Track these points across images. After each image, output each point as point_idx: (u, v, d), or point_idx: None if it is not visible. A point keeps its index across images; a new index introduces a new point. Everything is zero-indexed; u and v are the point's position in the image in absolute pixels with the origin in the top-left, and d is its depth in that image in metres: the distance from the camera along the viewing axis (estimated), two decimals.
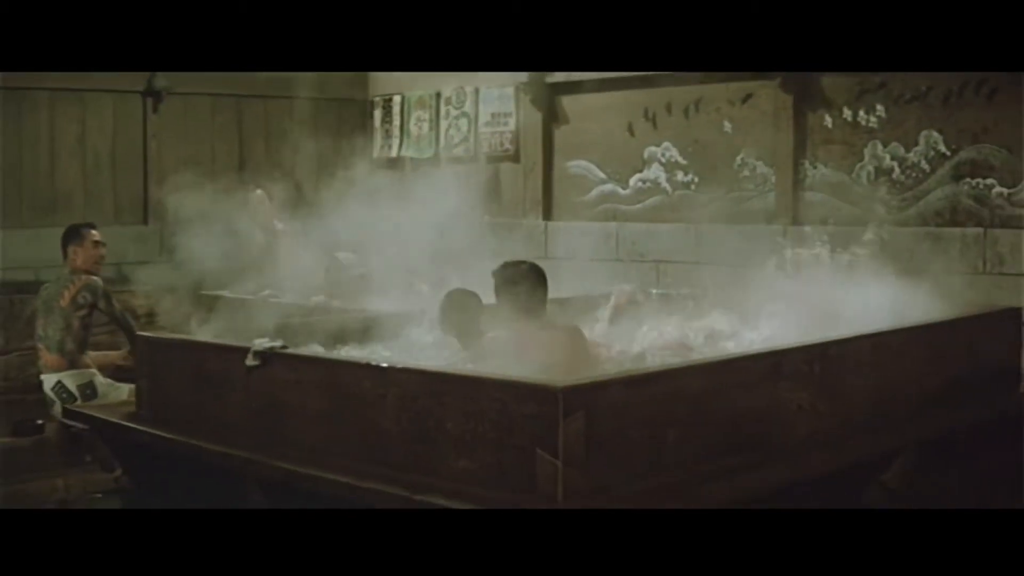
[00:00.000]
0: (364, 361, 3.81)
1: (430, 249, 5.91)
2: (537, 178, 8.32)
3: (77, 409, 4.82)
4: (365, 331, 4.85)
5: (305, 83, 8.71)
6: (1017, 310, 5.31)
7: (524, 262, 4.46)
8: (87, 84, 7.92)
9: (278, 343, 3.90)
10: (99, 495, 4.56)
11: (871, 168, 6.74)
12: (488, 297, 4.53)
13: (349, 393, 3.62)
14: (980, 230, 6.29)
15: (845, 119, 6.83)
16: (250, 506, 3.72)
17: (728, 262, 6.93)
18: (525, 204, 8.39)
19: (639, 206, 7.78)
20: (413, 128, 9.05)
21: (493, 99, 8.54)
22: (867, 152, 6.74)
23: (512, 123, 8.43)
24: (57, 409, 5.35)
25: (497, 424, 3.22)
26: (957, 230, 6.35)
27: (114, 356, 5.84)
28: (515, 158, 8.47)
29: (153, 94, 8.24)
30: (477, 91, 8.62)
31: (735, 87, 7.23)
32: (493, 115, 8.55)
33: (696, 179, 7.49)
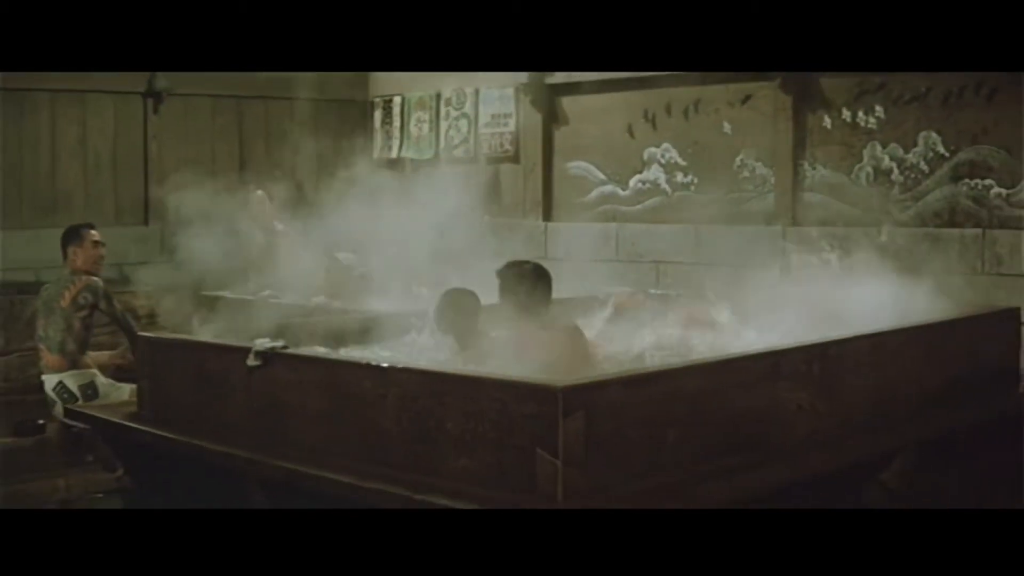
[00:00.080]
0: (365, 361, 3.81)
1: (430, 250, 5.93)
2: (537, 179, 8.34)
3: (79, 409, 4.83)
4: (365, 332, 4.87)
5: (305, 84, 8.72)
6: (1016, 310, 5.33)
7: (528, 262, 4.47)
8: (88, 85, 7.94)
9: (279, 343, 3.91)
10: (100, 495, 4.58)
11: (870, 169, 6.76)
12: (487, 297, 4.54)
13: (350, 393, 3.63)
14: (979, 231, 6.31)
15: (844, 120, 6.85)
16: (251, 506, 3.73)
17: (728, 263, 6.96)
18: (525, 205, 8.41)
19: (639, 207, 7.79)
20: (413, 129, 9.07)
21: (493, 100, 8.55)
22: (866, 153, 6.76)
23: (512, 124, 8.45)
24: (58, 409, 5.37)
25: (497, 424, 3.23)
26: (956, 231, 6.37)
27: (113, 355, 5.85)
28: (515, 159, 8.49)
29: (154, 95, 8.26)
30: (477, 92, 8.63)
31: (734, 88, 7.25)
32: (493, 116, 8.57)
33: (695, 180, 7.51)
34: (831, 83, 6.86)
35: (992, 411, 4.76)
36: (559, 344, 4.23)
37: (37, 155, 7.92)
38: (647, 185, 7.75)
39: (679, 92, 7.50)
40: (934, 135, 6.52)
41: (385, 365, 3.63)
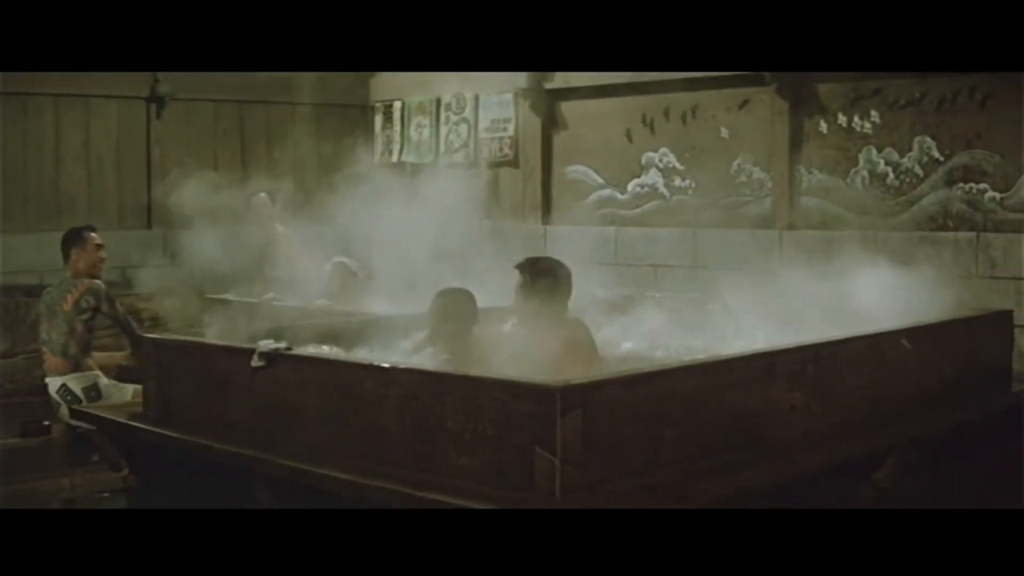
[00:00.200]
0: (366, 362, 3.87)
1: (431, 252, 5.98)
2: (536, 183, 8.40)
3: (84, 410, 4.90)
4: (366, 334, 4.92)
5: (306, 88, 8.80)
6: (1009, 313, 5.38)
7: (550, 258, 4.47)
8: (91, 90, 8.00)
9: (283, 345, 3.97)
10: (106, 494, 4.63)
11: (866, 173, 6.81)
12: (487, 297, 4.59)
13: (352, 393, 3.69)
14: (973, 234, 6.36)
15: (840, 125, 6.90)
16: (255, 504, 3.79)
17: (725, 266, 7.02)
18: (524, 208, 8.47)
19: (637, 211, 7.85)
20: (413, 133, 9.13)
21: (493, 105, 8.62)
22: (862, 157, 6.82)
23: (511, 129, 8.51)
24: (63, 412, 5.41)
25: (496, 423, 3.29)
26: (950, 234, 6.42)
27: (117, 357, 5.90)
28: (515, 163, 8.55)
29: (156, 100, 8.32)
30: (477, 97, 8.69)
31: (731, 93, 7.30)
32: (493, 121, 8.63)
33: (693, 184, 7.57)
34: (827, 88, 6.92)
35: (985, 412, 4.80)
36: (573, 341, 4.26)
37: (41, 159, 7.98)
38: (645, 189, 7.81)
39: (677, 97, 7.55)
40: (929, 140, 6.58)
41: (386, 365, 3.69)
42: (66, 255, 5.87)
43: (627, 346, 4.85)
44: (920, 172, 6.61)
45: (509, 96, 8.48)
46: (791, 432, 3.93)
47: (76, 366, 5.60)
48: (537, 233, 8.23)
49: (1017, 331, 5.62)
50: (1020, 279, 6.18)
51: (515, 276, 4.39)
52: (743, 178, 7.34)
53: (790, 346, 4.10)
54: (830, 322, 4.65)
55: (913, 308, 4.84)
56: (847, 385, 4.20)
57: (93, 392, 5.54)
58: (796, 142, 7.05)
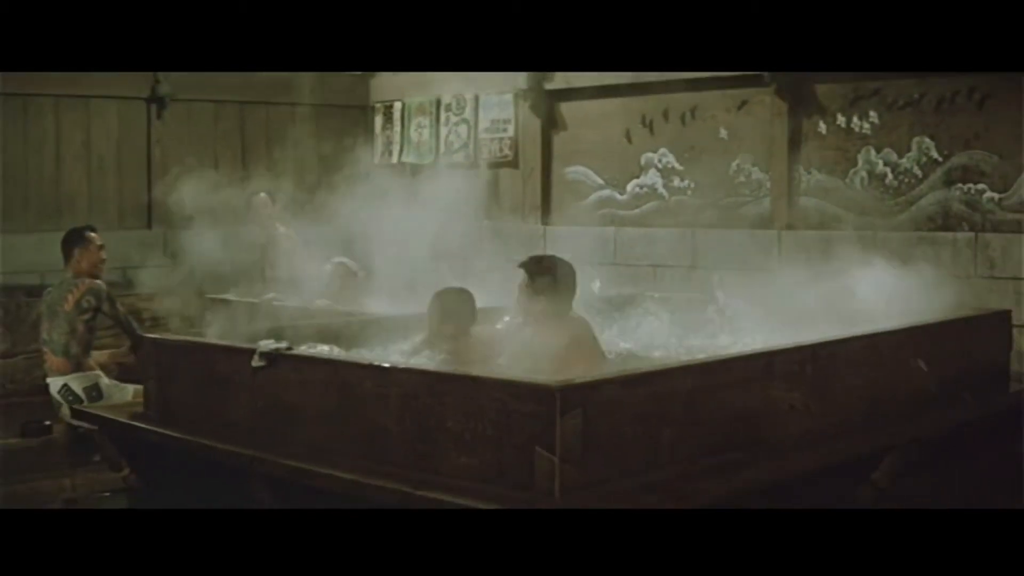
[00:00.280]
0: (367, 362, 3.90)
1: (431, 253, 5.99)
2: (536, 183, 8.41)
3: (86, 410, 4.91)
4: (366, 334, 4.94)
5: (306, 89, 8.82)
6: (1007, 313, 5.40)
7: (555, 256, 4.47)
8: (92, 90, 8.01)
9: (283, 344, 3.99)
10: (107, 494, 4.64)
11: (864, 174, 6.83)
12: (485, 297, 4.60)
13: (352, 393, 3.71)
14: (972, 234, 6.38)
15: (839, 125, 6.92)
16: (256, 503, 3.80)
17: (724, 266, 7.04)
18: (524, 209, 8.48)
19: (636, 211, 7.87)
20: (413, 134, 9.15)
21: (492, 106, 8.63)
22: (860, 158, 6.83)
23: (511, 129, 8.52)
24: (64, 411, 5.43)
25: (496, 423, 3.31)
26: (949, 234, 6.43)
27: (116, 354, 5.91)
28: (514, 164, 8.56)
29: (157, 100, 8.33)
30: (477, 98, 8.71)
31: (731, 94, 7.32)
32: (493, 121, 8.64)
33: (692, 184, 7.58)
34: (826, 89, 6.93)
35: (983, 411, 4.82)
36: (580, 339, 4.27)
37: (41, 159, 7.99)
38: (644, 189, 7.83)
39: (676, 98, 7.57)
40: (927, 140, 6.59)
41: (387, 365, 3.71)
42: (68, 255, 5.87)
43: (626, 346, 4.86)
44: (919, 172, 6.63)
45: (509, 97, 8.49)
46: (790, 432, 3.95)
47: (78, 366, 5.62)
48: (537, 233, 8.24)
49: (1015, 331, 5.65)
50: (1018, 279, 6.19)
51: (518, 275, 4.39)
52: (742, 178, 7.35)
53: (789, 346, 4.12)
54: (829, 322, 4.67)
55: (912, 308, 4.87)
56: (845, 385, 4.22)
57: (94, 392, 5.55)
58: (795, 142, 7.06)
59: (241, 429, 4.03)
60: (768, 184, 7.21)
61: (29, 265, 7.49)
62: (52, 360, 5.68)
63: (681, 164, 7.64)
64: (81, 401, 5.44)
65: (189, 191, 6.71)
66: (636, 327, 5.21)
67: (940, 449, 4.61)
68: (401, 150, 9.22)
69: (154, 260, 7.84)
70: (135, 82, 8.15)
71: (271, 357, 3.94)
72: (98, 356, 5.80)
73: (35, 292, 6.74)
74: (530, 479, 3.23)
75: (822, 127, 6.98)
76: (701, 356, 4.30)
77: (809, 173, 7.04)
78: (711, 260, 7.22)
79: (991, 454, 4.98)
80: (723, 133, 7.43)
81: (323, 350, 4.22)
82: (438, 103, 8.96)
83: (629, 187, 7.90)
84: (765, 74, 6.96)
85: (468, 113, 8.78)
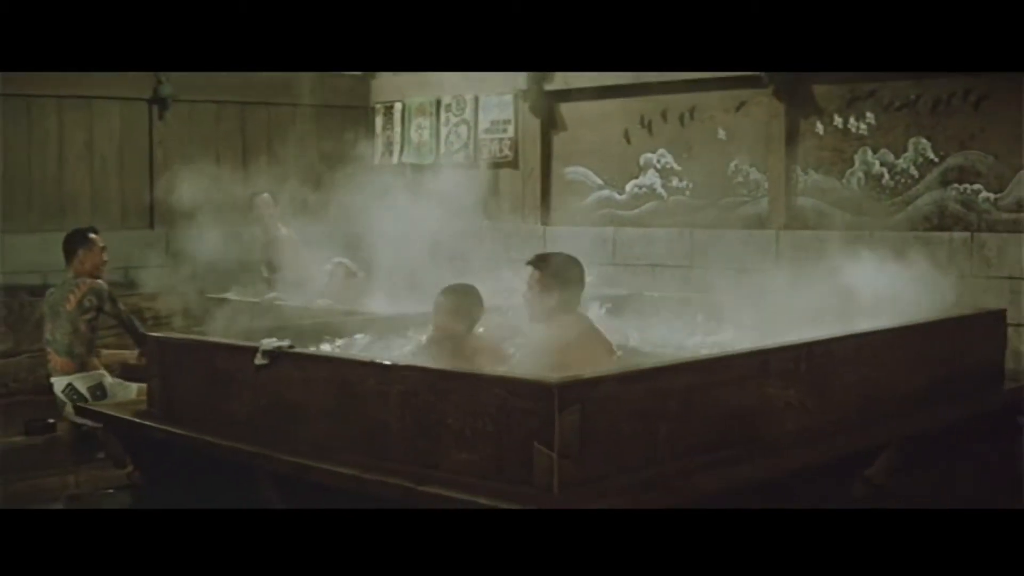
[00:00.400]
0: (368, 359, 3.94)
1: (431, 253, 6.04)
2: (536, 184, 8.46)
3: (90, 408, 4.96)
4: (366, 333, 4.99)
5: (307, 90, 8.87)
6: (1002, 312, 5.45)
7: (560, 253, 4.49)
8: (95, 91, 8.06)
9: (286, 343, 4.03)
10: (110, 490, 4.69)
11: (861, 174, 6.88)
12: (485, 296, 4.63)
13: (354, 390, 3.75)
14: (967, 234, 6.42)
15: (836, 126, 6.97)
16: (259, 500, 3.85)
17: (722, 266, 7.09)
18: (524, 209, 8.53)
19: (635, 211, 7.91)
20: (414, 135, 9.19)
21: (492, 106, 8.68)
22: (857, 158, 6.88)
23: (511, 130, 8.57)
24: (68, 410, 5.47)
25: (496, 419, 3.36)
26: (945, 234, 6.48)
27: (126, 355, 5.95)
28: (514, 164, 8.61)
29: (159, 101, 8.38)
30: (477, 99, 8.76)
31: (729, 95, 7.37)
32: (493, 122, 8.69)
33: (691, 185, 7.63)
34: (823, 90, 6.98)
35: (977, 409, 4.87)
36: (592, 336, 4.31)
37: (44, 160, 8.04)
38: (643, 190, 7.87)
39: (675, 99, 7.61)
40: (924, 141, 6.64)
41: (388, 363, 3.76)
42: (70, 256, 5.90)
43: (624, 344, 4.90)
44: (915, 173, 6.68)
45: (509, 97, 8.54)
46: (785, 429, 4.00)
47: (82, 366, 5.66)
48: (536, 233, 8.29)
49: (1010, 330, 5.69)
50: (1014, 278, 6.24)
51: (519, 274, 4.43)
52: (740, 179, 7.40)
53: (784, 344, 4.16)
54: (825, 321, 4.71)
55: (908, 307, 4.91)
56: (841, 383, 4.27)
57: (98, 391, 5.59)
58: (792, 143, 7.11)
59: (244, 426, 4.08)
60: (766, 184, 7.25)
61: (32, 265, 7.54)
62: (56, 360, 5.72)
63: (679, 164, 7.69)
64: (86, 400, 5.47)
65: (191, 190, 6.76)
66: (634, 326, 5.25)
67: (934, 447, 4.65)
68: (401, 150, 9.27)
69: (156, 260, 7.89)
70: (137, 83, 8.21)
71: (274, 355, 3.98)
72: (108, 357, 5.84)
73: (38, 292, 6.79)
74: (529, 475, 3.28)
75: (819, 128, 7.03)
76: (698, 354, 4.35)
77: (806, 173, 7.09)
78: (709, 260, 7.27)
79: (985, 452, 5.03)
80: (721, 134, 7.48)
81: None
82: (438, 104, 9.01)
83: (628, 187, 7.95)
84: (763, 75, 7.01)
85: (468, 114, 8.83)
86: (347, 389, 3.78)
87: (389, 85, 9.39)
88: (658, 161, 7.79)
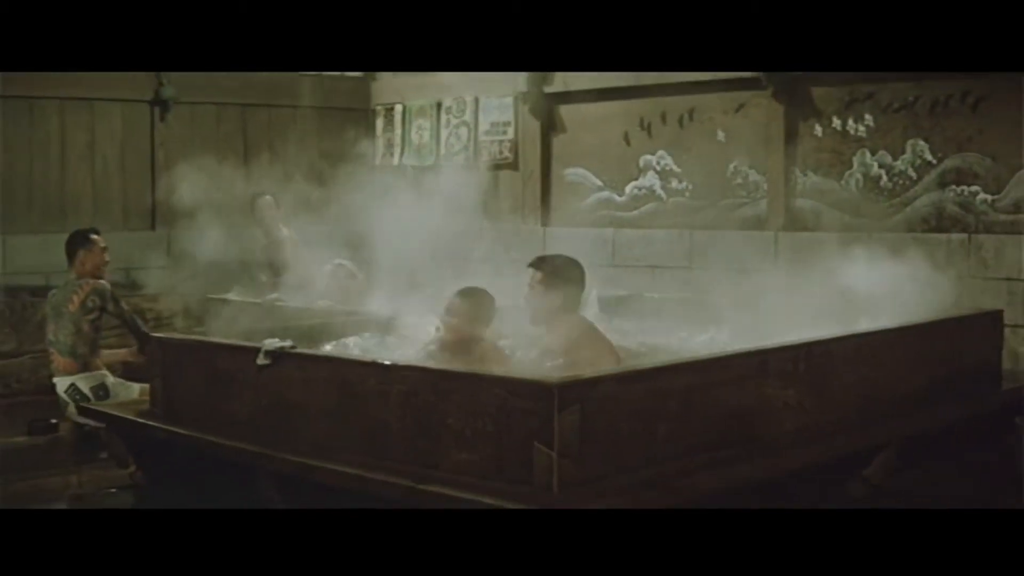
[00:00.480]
0: (369, 360, 3.97)
1: (431, 254, 6.06)
2: (536, 185, 8.49)
3: (93, 407, 4.99)
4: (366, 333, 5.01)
5: (308, 92, 8.90)
6: (999, 313, 5.47)
7: (561, 255, 4.52)
8: (96, 93, 8.09)
9: (287, 343, 4.06)
10: (113, 490, 4.72)
11: (860, 176, 6.91)
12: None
13: (355, 391, 3.78)
14: (965, 236, 6.45)
15: (834, 128, 7.00)
16: (261, 499, 3.88)
17: (721, 267, 7.12)
18: (524, 210, 8.56)
19: (635, 213, 7.94)
20: (414, 137, 9.23)
21: (493, 108, 8.71)
22: (856, 160, 6.91)
23: (511, 132, 8.60)
24: (71, 410, 5.49)
25: (496, 419, 3.39)
26: (943, 236, 6.51)
27: (122, 353, 5.98)
28: (514, 166, 8.64)
29: (160, 103, 8.40)
30: (477, 101, 8.79)
31: (728, 97, 7.39)
32: (493, 124, 8.72)
33: (690, 186, 7.66)
34: (821, 92, 7.01)
35: (974, 409, 4.90)
36: (595, 336, 4.34)
37: (47, 161, 8.06)
38: (643, 191, 7.90)
39: (674, 101, 7.64)
40: (922, 143, 6.67)
41: (388, 363, 3.79)
42: (72, 257, 5.93)
43: (624, 344, 4.93)
44: (913, 174, 6.70)
45: (509, 100, 8.57)
46: (784, 429, 4.03)
47: (84, 366, 5.68)
48: (536, 234, 8.32)
49: (1008, 331, 5.72)
50: (1011, 279, 6.27)
51: (520, 276, 4.46)
52: (739, 180, 7.43)
53: (783, 344, 4.19)
54: (824, 322, 4.73)
55: (906, 308, 4.93)
56: (839, 383, 4.29)
57: (101, 391, 5.62)
58: (791, 145, 7.14)
59: (246, 426, 4.10)
60: (765, 186, 7.28)
61: (34, 266, 7.57)
62: (59, 360, 5.74)
63: (679, 166, 7.72)
64: (88, 400, 5.50)
65: (192, 191, 6.78)
66: (633, 326, 5.27)
67: (932, 447, 4.68)
68: (402, 152, 9.30)
69: (157, 261, 7.91)
70: (139, 85, 8.23)
71: (276, 355, 4.01)
72: (109, 356, 5.87)
73: (39, 293, 6.82)
74: (529, 474, 3.31)
75: (818, 130, 7.06)
76: (696, 354, 4.37)
77: (805, 175, 7.12)
78: (708, 261, 7.30)
79: (983, 452, 5.06)
80: (720, 135, 7.51)
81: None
82: (438, 106, 9.04)
83: (627, 189, 7.98)
84: (762, 77, 7.04)
85: (468, 116, 8.86)
86: (348, 389, 3.81)
87: (389, 87, 9.43)
88: (657, 163, 7.82)
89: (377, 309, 5.94)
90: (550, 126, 8.45)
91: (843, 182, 6.96)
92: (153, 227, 8.40)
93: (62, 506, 4.59)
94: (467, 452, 3.45)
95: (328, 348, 4.63)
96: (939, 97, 6.57)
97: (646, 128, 7.85)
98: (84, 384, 5.63)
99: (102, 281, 5.88)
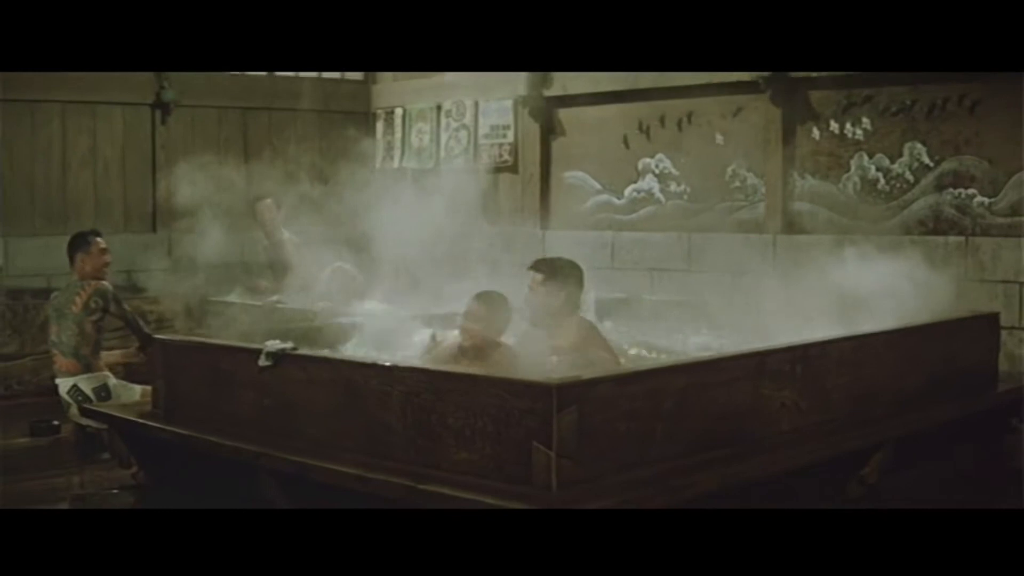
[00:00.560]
0: (370, 361, 4.00)
1: (431, 257, 6.09)
2: (535, 188, 8.52)
3: (96, 409, 5.03)
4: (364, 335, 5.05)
5: (308, 95, 8.94)
6: (995, 315, 5.51)
7: (561, 258, 4.57)
8: (98, 96, 8.13)
9: (289, 345, 4.10)
10: (115, 490, 4.74)
11: (857, 179, 6.94)
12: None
13: (356, 391, 3.82)
14: (962, 238, 6.48)
15: (832, 132, 7.03)
16: (263, 498, 3.91)
17: (720, 270, 7.16)
18: (523, 213, 8.59)
19: (634, 215, 7.97)
20: (414, 140, 9.27)
21: (492, 112, 8.74)
22: (853, 163, 6.94)
23: (511, 135, 8.64)
24: (73, 411, 5.52)
25: (495, 419, 3.42)
26: (940, 238, 6.54)
27: (127, 354, 6.01)
28: (514, 169, 8.67)
29: (161, 106, 8.44)
30: (476, 104, 8.82)
31: (726, 101, 7.43)
32: (492, 127, 8.76)
33: (689, 190, 7.69)
34: (819, 95, 7.05)
35: (970, 410, 4.93)
36: (592, 332, 4.37)
37: (48, 164, 8.10)
38: (642, 194, 7.94)
39: (673, 104, 7.68)
40: (919, 146, 6.70)
41: (389, 364, 3.82)
42: (72, 259, 5.96)
43: (623, 346, 4.97)
44: (910, 177, 6.74)
45: (508, 103, 8.61)
46: (780, 429, 4.06)
47: (87, 367, 5.71)
48: (536, 237, 8.35)
49: (1004, 333, 5.76)
50: (1008, 282, 6.30)
51: (520, 278, 4.50)
52: (737, 183, 7.46)
53: (779, 346, 4.23)
54: (821, 323, 4.77)
55: (903, 310, 4.97)
56: (835, 384, 4.33)
57: (103, 392, 5.64)
58: (789, 148, 7.17)
59: (247, 427, 4.14)
60: (763, 189, 7.32)
61: (36, 268, 7.60)
62: (61, 361, 5.77)
63: (677, 169, 7.75)
64: (90, 401, 5.52)
65: (193, 194, 6.82)
66: (631, 328, 5.31)
67: (928, 448, 4.71)
68: (402, 155, 9.34)
69: (159, 263, 7.95)
70: (140, 88, 8.27)
71: (277, 357, 4.05)
72: (108, 357, 5.90)
73: (41, 295, 6.85)
74: (528, 473, 3.35)
75: (816, 133, 7.10)
76: (693, 355, 4.41)
77: (803, 178, 7.15)
78: (706, 263, 7.34)
79: (979, 453, 5.09)
80: (719, 139, 7.54)
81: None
82: (439, 109, 9.08)
83: (627, 192, 8.02)
84: (760, 81, 7.07)
85: (468, 119, 8.90)
86: (349, 390, 3.84)
87: (390, 90, 9.47)
88: (656, 166, 7.85)
89: (377, 310, 5.98)
90: (549, 129, 8.49)
91: (840, 185, 6.99)
92: (154, 229, 8.43)
93: (65, 506, 4.61)
94: (467, 452, 3.49)
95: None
96: (936, 100, 6.60)
97: (645, 131, 7.88)
98: (86, 385, 5.65)
99: (104, 282, 5.90)
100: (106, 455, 5.03)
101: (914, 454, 4.55)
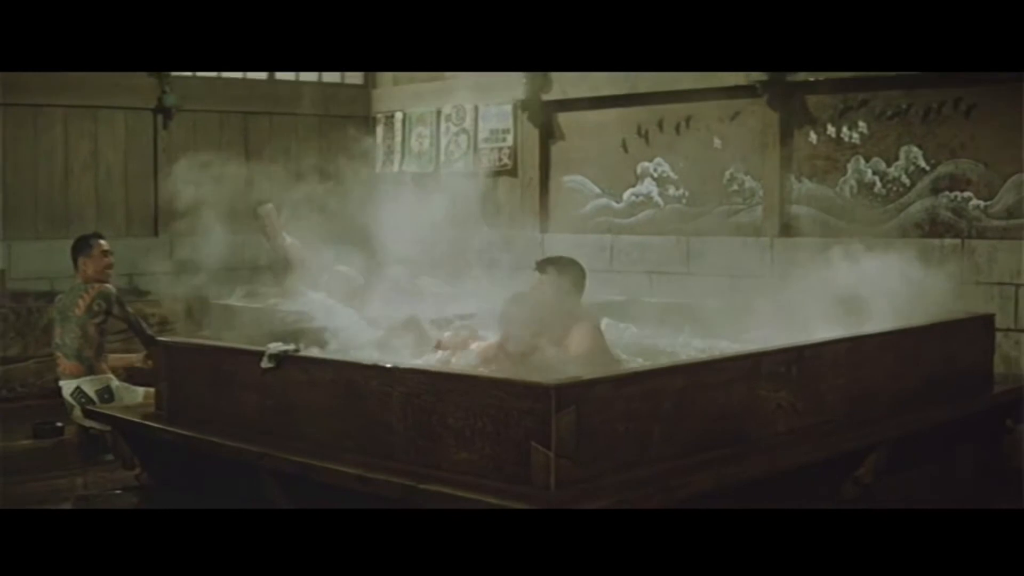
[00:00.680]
0: (371, 362, 4.04)
1: (431, 260, 6.13)
2: (534, 192, 8.57)
3: (100, 410, 5.07)
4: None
5: (309, 99, 8.99)
6: (990, 317, 5.55)
7: (563, 256, 4.64)
8: (100, 101, 8.18)
9: (291, 346, 4.14)
10: (119, 491, 4.78)
11: (854, 182, 6.98)
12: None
13: (357, 392, 3.86)
14: (958, 241, 6.53)
15: (829, 135, 7.08)
16: (266, 498, 3.95)
17: (718, 273, 7.20)
18: (523, 217, 8.63)
19: (632, 219, 8.02)
20: (414, 144, 9.31)
21: (492, 116, 8.79)
22: (850, 167, 6.99)
23: (510, 139, 8.68)
24: (77, 413, 5.56)
25: (495, 419, 3.46)
26: (936, 241, 6.58)
27: (132, 358, 6.05)
28: (513, 173, 8.72)
29: (163, 111, 8.49)
30: (476, 108, 8.87)
31: (724, 105, 7.47)
32: (492, 131, 8.80)
33: (687, 193, 7.74)
34: (816, 100, 7.09)
35: (967, 411, 4.97)
36: (596, 328, 4.42)
37: (51, 169, 8.15)
38: (640, 198, 7.98)
39: (671, 108, 7.73)
40: (915, 149, 6.75)
41: (390, 366, 3.86)
42: (75, 263, 5.99)
43: (622, 347, 5.01)
44: (907, 181, 6.78)
45: (508, 107, 8.65)
46: (776, 430, 4.10)
47: (90, 369, 5.74)
48: (535, 241, 8.38)
49: (999, 334, 5.80)
50: (1003, 284, 6.34)
51: (520, 280, 4.56)
52: (735, 187, 7.51)
53: (775, 347, 4.27)
54: (818, 326, 4.80)
55: (900, 312, 5.00)
56: (831, 385, 4.36)
57: (106, 394, 5.68)
58: (787, 152, 7.21)
59: (249, 428, 4.18)
60: (760, 192, 7.36)
61: (39, 272, 7.65)
62: (65, 364, 5.80)
63: (675, 173, 7.80)
64: (94, 403, 5.56)
65: (195, 200, 6.85)
66: (630, 329, 5.34)
67: (924, 448, 4.75)
68: (402, 159, 9.38)
69: (161, 266, 7.99)
70: (142, 92, 8.33)
71: (280, 359, 4.09)
72: (115, 360, 5.94)
73: (44, 298, 6.90)
74: (527, 473, 3.38)
75: (813, 137, 7.14)
76: (691, 356, 4.44)
77: (800, 182, 7.20)
78: (705, 267, 7.38)
79: (975, 454, 5.13)
80: (717, 143, 7.59)
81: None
82: (438, 113, 9.12)
83: (625, 195, 8.06)
84: (757, 85, 7.12)
85: (468, 123, 8.95)
86: (351, 391, 3.88)
87: (390, 95, 9.52)
88: (655, 170, 7.90)
89: (377, 313, 6.01)
90: (549, 133, 8.53)
91: (837, 188, 7.04)
92: (156, 233, 8.48)
93: (68, 507, 4.65)
94: (467, 452, 3.53)
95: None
96: (932, 104, 6.64)
97: (643, 135, 7.93)
98: (89, 387, 5.69)
99: (108, 285, 5.93)
100: (109, 456, 5.07)
101: (910, 455, 4.59)
